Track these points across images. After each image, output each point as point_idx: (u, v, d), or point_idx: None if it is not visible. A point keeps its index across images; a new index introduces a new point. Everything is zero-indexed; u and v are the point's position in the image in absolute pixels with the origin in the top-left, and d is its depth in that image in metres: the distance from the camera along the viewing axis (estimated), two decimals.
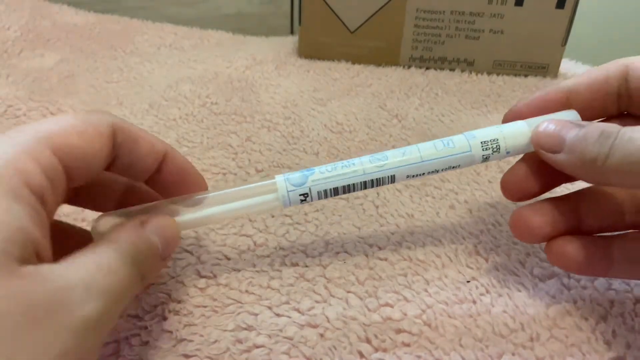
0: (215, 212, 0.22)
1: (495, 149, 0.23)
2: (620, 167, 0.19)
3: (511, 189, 0.24)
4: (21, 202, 0.16)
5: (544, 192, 0.24)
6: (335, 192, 0.22)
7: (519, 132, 0.23)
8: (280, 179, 0.22)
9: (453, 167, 0.23)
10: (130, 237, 0.19)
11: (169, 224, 0.21)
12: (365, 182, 0.22)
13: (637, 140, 0.19)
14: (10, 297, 0.14)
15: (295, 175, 0.22)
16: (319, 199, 0.22)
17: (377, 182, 0.22)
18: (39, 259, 0.16)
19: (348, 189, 0.22)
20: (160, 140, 0.22)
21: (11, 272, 0.15)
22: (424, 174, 0.23)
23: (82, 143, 0.18)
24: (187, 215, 0.22)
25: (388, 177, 0.22)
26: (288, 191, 0.22)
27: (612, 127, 0.20)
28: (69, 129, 0.18)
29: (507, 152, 0.23)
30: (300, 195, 0.22)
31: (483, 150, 0.23)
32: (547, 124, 0.22)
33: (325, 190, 0.22)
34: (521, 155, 0.24)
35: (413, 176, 0.23)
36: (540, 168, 0.23)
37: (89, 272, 0.16)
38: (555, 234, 0.23)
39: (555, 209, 0.23)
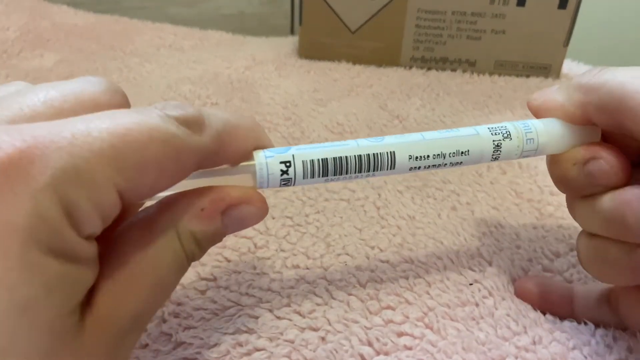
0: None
1: (505, 135, 0.21)
2: (607, 82, 0.19)
3: None
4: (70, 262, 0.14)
5: None
6: (325, 166, 0.19)
7: (532, 122, 0.21)
8: (259, 154, 0.19)
9: (462, 153, 0.20)
10: (202, 230, 0.17)
11: (251, 215, 0.18)
12: (360, 157, 0.19)
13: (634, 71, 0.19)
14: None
15: (277, 149, 0.19)
16: (304, 177, 0.19)
17: (375, 160, 0.19)
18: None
19: (340, 163, 0.19)
20: (252, 132, 0.19)
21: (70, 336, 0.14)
22: (429, 156, 0.20)
23: (156, 184, 0.16)
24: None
25: (387, 153, 0.19)
26: (266, 157, 0.18)
27: None
28: (149, 163, 0.15)
29: (528, 138, 0.21)
30: (281, 163, 0.18)
31: (492, 134, 0.21)
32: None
33: (312, 161, 0.18)
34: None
35: (416, 158, 0.20)
36: None
37: (143, 300, 0.16)
38: None
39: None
